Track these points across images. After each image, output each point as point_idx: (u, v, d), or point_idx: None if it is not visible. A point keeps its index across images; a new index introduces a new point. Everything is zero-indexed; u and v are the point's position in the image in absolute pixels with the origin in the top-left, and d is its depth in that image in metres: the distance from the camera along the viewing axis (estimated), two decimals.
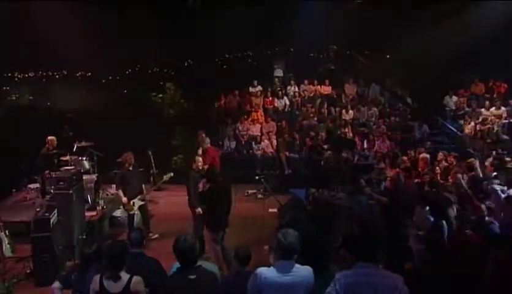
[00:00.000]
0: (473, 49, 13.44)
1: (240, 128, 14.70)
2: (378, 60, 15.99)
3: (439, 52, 13.93)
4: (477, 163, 8.32)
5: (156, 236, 8.95)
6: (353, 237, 3.46)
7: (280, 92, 16.07)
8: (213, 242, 6.93)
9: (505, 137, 12.79)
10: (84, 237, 8.18)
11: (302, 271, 3.57)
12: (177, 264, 4.21)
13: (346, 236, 3.65)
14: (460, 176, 7.89)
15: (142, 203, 8.85)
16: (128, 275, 3.68)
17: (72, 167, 9.40)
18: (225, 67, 18.40)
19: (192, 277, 3.56)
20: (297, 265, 3.57)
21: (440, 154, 10.55)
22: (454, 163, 9.83)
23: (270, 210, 9.96)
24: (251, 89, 16.17)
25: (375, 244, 3.38)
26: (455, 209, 6.55)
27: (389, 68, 16.00)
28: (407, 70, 15.02)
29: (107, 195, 10.47)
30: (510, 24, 12.84)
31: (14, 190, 10.83)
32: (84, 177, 9.27)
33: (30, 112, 15.99)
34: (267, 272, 3.54)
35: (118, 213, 9.71)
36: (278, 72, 17.30)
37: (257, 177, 9.85)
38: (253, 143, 14.19)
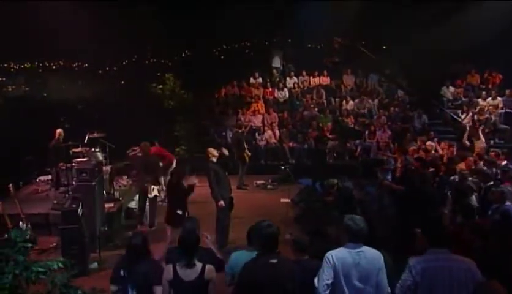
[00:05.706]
0: (470, 41, 13.67)
1: (242, 119, 14.70)
2: (377, 51, 16.15)
3: (437, 44, 14.17)
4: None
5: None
6: (429, 224, 3.56)
7: (280, 83, 16.13)
8: None
9: (503, 126, 13.13)
10: (106, 229, 8.24)
11: (373, 254, 3.60)
12: (236, 253, 4.28)
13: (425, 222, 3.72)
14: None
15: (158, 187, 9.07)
16: (201, 263, 3.71)
17: (86, 159, 9.37)
18: (222, 57, 18.40)
19: (274, 261, 3.56)
20: (366, 247, 3.61)
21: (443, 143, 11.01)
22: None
23: (282, 200, 10.10)
24: (252, 81, 16.17)
25: (444, 230, 3.55)
26: (474, 198, 6.80)
27: (387, 59, 16.20)
28: (405, 60, 15.22)
29: (120, 186, 10.43)
30: (507, 18, 13.15)
31: (21, 183, 10.66)
32: None
33: (26, 103, 15.77)
34: (339, 253, 3.57)
35: (133, 204, 9.69)
36: (276, 63, 17.29)
37: (283, 167, 9.96)
38: (256, 133, 14.25)
